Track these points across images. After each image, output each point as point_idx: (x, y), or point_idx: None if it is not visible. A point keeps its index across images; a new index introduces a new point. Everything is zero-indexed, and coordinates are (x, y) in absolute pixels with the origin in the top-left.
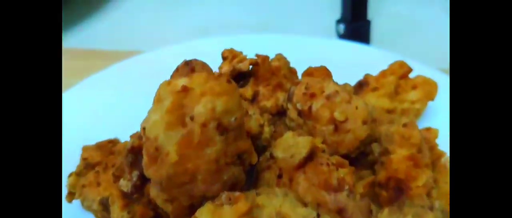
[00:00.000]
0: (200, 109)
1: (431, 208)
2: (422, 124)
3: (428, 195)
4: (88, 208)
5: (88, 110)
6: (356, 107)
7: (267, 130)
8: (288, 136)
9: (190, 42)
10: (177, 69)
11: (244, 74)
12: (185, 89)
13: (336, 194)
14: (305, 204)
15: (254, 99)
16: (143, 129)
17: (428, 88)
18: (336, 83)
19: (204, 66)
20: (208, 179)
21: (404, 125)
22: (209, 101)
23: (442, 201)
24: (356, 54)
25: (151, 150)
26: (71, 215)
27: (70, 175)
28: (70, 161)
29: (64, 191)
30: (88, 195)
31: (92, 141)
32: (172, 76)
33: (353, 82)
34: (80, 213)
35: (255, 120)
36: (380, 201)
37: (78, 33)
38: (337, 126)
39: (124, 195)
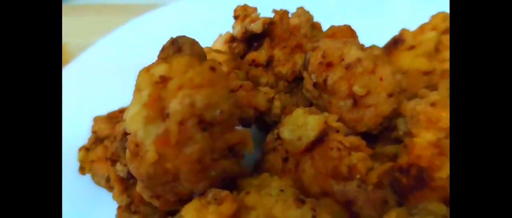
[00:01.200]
0: (176, 105)
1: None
2: None
3: None
4: (98, 183)
5: (106, 73)
6: (381, 79)
7: (277, 104)
8: (298, 113)
9: None
10: (163, 49)
11: (258, 35)
12: (163, 80)
13: (345, 184)
14: (302, 201)
15: (268, 64)
16: (125, 120)
17: None
18: (361, 47)
19: (193, 46)
20: (192, 179)
21: (433, 104)
22: (187, 96)
23: None
24: (392, 4)
25: (132, 146)
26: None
27: (80, 149)
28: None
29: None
30: (97, 170)
31: (111, 107)
32: (158, 57)
33: (388, 39)
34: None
35: (262, 95)
36: (400, 188)
37: None
38: (357, 101)
39: (122, 179)
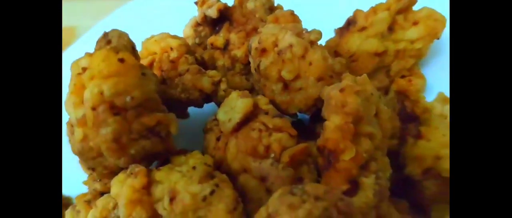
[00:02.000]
0: (87, 94)
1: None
2: (426, 67)
3: (364, 167)
4: None
5: None
6: (310, 63)
7: (223, 87)
8: (232, 96)
9: None
10: (97, 41)
11: (220, 19)
12: (84, 70)
13: (261, 162)
14: (212, 177)
15: (225, 48)
16: None
17: (433, 24)
18: (298, 33)
19: (120, 38)
20: (113, 155)
21: (342, 90)
22: (96, 85)
23: (386, 173)
24: None
25: (68, 126)
26: None
27: None
28: None
29: None
30: None
31: None
32: (95, 48)
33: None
34: None
35: (207, 79)
36: (317, 167)
37: None
38: (287, 85)
39: None
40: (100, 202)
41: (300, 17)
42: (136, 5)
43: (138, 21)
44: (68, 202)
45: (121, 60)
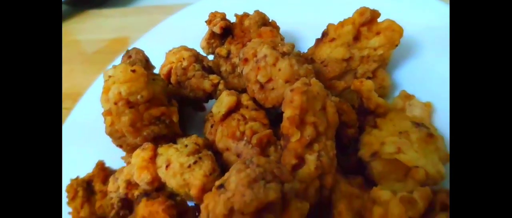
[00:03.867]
0: (110, 94)
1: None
2: (394, 69)
3: (309, 148)
4: None
5: None
6: (279, 69)
7: (221, 87)
8: (223, 94)
9: None
10: (123, 57)
11: (225, 34)
12: (109, 77)
13: (238, 143)
14: (198, 152)
15: (227, 56)
16: None
17: (391, 34)
18: (273, 46)
19: (137, 54)
20: (131, 135)
21: (291, 90)
22: (116, 88)
23: (328, 153)
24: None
25: (103, 115)
26: None
27: None
28: None
29: None
30: None
31: None
32: (121, 61)
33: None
34: None
35: (207, 81)
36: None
37: None
38: (262, 86)
39: None
40: (126, 169)
41: (295, 27)
42: (171, 22)
43: (170, 34)
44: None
45: (133, 71)
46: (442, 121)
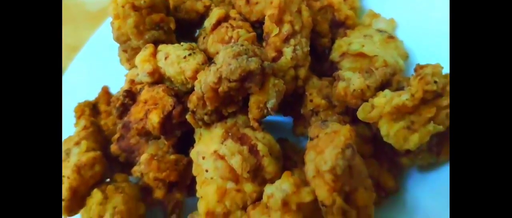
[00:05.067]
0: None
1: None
2: None
3: (286, 42)
4: None
5: None
6: None
7: (212, 8)
8: (214, 10)
9: None
10: None
11: None
12: None
13: (226, 46)
14: (194, 52)
15: None
16: None
17: None
18: None
19: None
20: (135, 37)
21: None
22: None
23: (303, 48)
24: None
25: (111, 24)
26: None
27: None
28: None
29: None
30: None
31: None
32: None
33: None
34: None
35: (200, 3)
36: None
37: None
38: (248, 0)
39: None
40: (130, 71)
41: None
42: None
43: None
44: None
45: None
46: (404, 36)
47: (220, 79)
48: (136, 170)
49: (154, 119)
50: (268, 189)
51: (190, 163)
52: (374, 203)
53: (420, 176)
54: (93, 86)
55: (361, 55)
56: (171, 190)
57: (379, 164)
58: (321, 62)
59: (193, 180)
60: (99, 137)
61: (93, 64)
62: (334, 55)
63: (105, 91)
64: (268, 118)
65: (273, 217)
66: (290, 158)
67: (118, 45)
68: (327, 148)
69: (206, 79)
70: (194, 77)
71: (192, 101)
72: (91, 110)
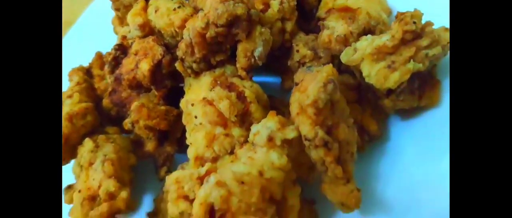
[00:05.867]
0: None
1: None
2: None
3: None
4: None
5: None
6: None
7: None
8: None
9: None
10: None
11: None
12: None
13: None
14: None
15: None
16: None
17: None
18: None
19: None
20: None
21: None
22: None
23: (290, 3)
24: None
25: None
26: None
27: None
28: None
29: None
30: None
31: None
32: None
33: None
34: None
35: None
36: None
37: None
38: None
39: None
40: (122, 28)
41: None
42: None
43: None
44: None
45: None
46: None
47: (207, 24)
48: (127, 121)
49: (144, 67)
50: (254, 128)
51: (180, 115)
52: (358, 148)
53: (403, 124)
54: (86, 57)
55: (345, 9)
56: (162, 144)
57: (362, 109)
58: (308, 21)
59: (183, 135)
60: (91, 93)
61: (87, 37)
62: (321, 12)
63: (99, 56)
64: (256, 78)
65: (259, 153)
66: (277, 109)
67: (111, 17)
68: (309, 84)
69: (194, 24)
70: (182, 27)
71: (181, 48)
72: (84, 74)
